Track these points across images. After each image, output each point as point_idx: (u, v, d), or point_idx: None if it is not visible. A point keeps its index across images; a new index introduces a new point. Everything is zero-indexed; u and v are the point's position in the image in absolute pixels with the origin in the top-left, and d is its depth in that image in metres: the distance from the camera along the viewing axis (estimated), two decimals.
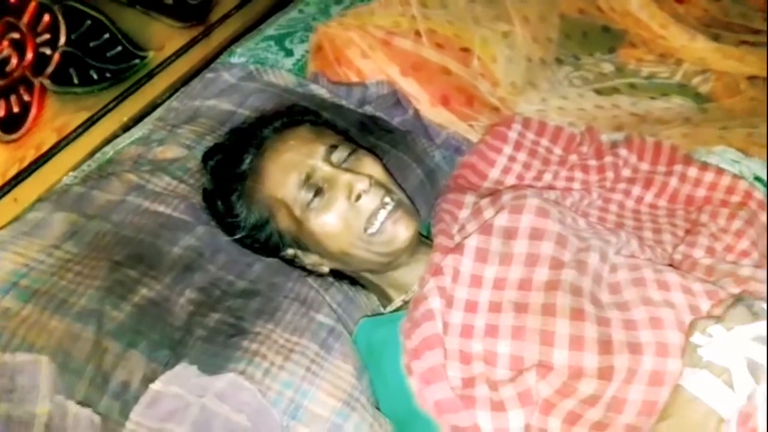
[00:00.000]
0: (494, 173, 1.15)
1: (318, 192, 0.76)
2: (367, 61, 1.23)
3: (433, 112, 1.21)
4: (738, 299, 0.74)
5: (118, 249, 0.73)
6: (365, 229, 0.76)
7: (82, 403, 0.62)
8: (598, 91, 1.58)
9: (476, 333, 0.74)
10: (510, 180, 1.14)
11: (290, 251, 0.81)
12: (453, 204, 0.95)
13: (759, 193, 1.19)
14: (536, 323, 0.73)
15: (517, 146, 1.19)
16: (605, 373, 0.70)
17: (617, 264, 0.84)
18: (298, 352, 0.66)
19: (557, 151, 1.23)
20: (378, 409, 0.70)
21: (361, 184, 0.75)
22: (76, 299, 0.67)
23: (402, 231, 0.77)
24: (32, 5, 0.79)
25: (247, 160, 0.80)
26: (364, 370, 0.73)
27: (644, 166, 1.24)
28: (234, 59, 1.34)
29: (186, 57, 1.21)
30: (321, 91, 1.17)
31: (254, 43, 1.46)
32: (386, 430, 0.68)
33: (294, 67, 1.39)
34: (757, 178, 1.35)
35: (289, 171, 0.76)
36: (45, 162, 0.90)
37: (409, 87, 1.21)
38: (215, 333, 0.66)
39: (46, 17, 0.82)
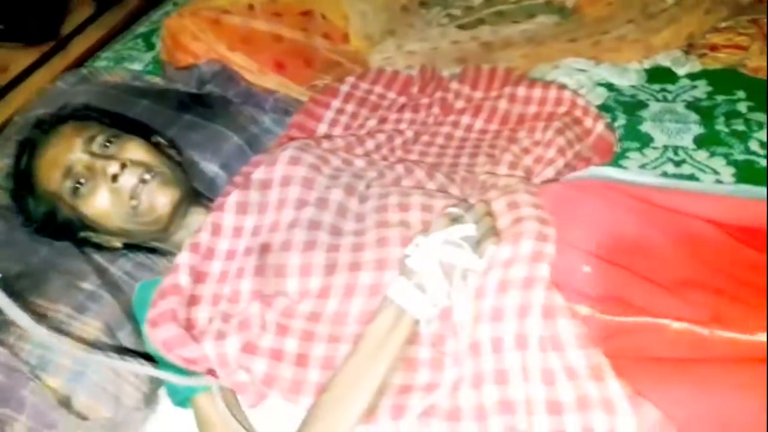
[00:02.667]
0: (322, 128, 1.22)
1: (81, 181, 0.86)
2: (198, 43, 1.32)
3: (264, 80, 1.29)
4: (446, 209, 0.81)
5: None
6: (131, 206, 0.87)
7: None
8: (462, 26, 1.61)
9: (229, 277, 0.84)
10: (337, 132, 1.21)
11: (82, 234, 0.92)
12: (253, 165, 1.04)
13: (581, 100, 1.22)
14: (274, 260, 0.82)
15: (347, 98, 1.26)
16: (324, 292, 0.79)
17: (368, 195, 0.91)
18: (50, 316, 0.78)
19: (391, 95, 1.29)
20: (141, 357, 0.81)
21: (112, 167, 0.85)
22: None
23: (161, 199, 0.87)
24: None
25: (23, 162, 0.91)
26: (126, 322, 0.84)
27: (478, 95, 1.29)
28: (99, 63, 1.46)
29: (42, 71, 1.31)
30: (154, 80, 1.27)
31: (122, 44, 1.56)
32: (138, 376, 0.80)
33: (152, 60, 1.49)
34: (601, 84, 1.38)
35: (52, 167, 0.87)
36: None
37: (238, 60, 1.29)
38: None
39: None
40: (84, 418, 0.74)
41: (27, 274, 0.84)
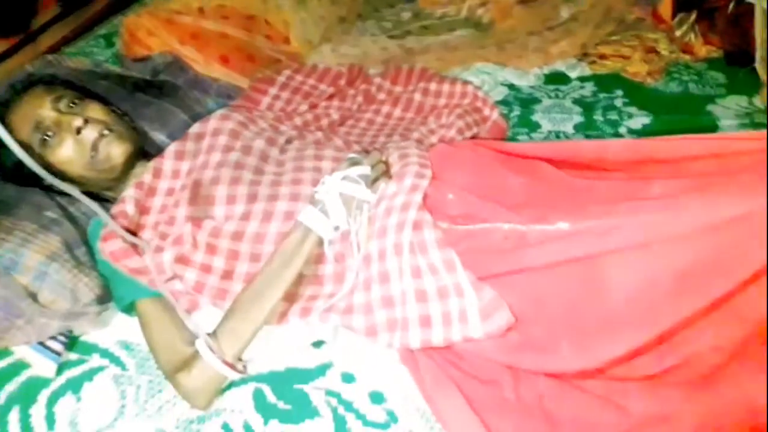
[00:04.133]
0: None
1: (49, 133, 1.03)
2: (153, 38, 1.51)
3: (211, 70, 1.48)
4: (348, 155, 1.01)
5: None
6: (91, 156, 1.04)
7: None
8: (392, 37, 1.84)
9: (169, 208, 1.02)
10: (270, 115, 1.41)
11: (47, 182, 1.09)
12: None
13: (481, 93, 1.45)
14: (204, 191, 1.00)
15: (283, 87, 1.45)
16: (245, 216, 0.98)
17: (288, 148, 1.11)
18: (19, 229, 0.95)
19: (322, 87, 1.49)
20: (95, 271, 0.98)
21: (77, 122, 1.02)
22: None
23: (116, 151, 1.04)
24: None
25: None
26: (82, 245, 1.01)
27: (398, 89, 1.50)
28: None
29: (12, 60, 1.48)
30: (113, 68, 1.45)
31: (86, 42, 1.75)
32: (91, 279, 0.96)
33: (112, 56, 1.67)
34: (504, 84, 1.62)
35: (23, 120, 1.04)
36: None
37: (188, 53, 1.48)
38: None
39: None
40: (47, 308, 0.90)
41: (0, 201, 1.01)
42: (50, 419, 0.88)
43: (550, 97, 1.57)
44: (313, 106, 1.41)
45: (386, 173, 1.01)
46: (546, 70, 1.66)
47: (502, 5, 1.88)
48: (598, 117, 1.48)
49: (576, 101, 1.55)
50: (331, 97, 1.45)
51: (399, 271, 0.89)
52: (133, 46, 1.54)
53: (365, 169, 0.97)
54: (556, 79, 1.64)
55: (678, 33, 1.66)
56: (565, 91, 1.59)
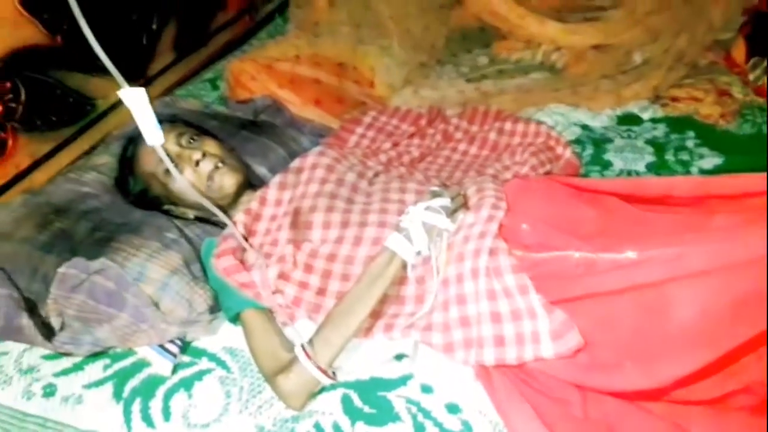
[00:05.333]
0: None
1: (178, 165, 1.20)
2: (254, 82, 1.69)
3: (305, 111, 1.65)
4: (430, 188, 1.12)
5: (47, 208, 1.22)
6: (207, 185, 1.20)
7: (23, 290, 1.09)
8: (469, 80, 1.96)
9: (272, 232, 1.15)
10: (359, 152, 1.55)
11: (165, 207, 1.26)
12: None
13: (554, 132, 1.54)
14: (303, 218, 1.14)
15: (368, 127, 1.59)
16: (339, 240, 1.10)
17: (375, 180, 1.24)
18: (146, 247, 1.10)
19: (404, 127, 1.62)
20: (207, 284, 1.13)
21: (196, 155, 1.19)
22: (18, 232, 1.17)
23: (229, 181, 1.20)
24: None
25: (129, 152, 1.26)
26: (196, 262, 1.16)
27: (474, 128, 1.61)
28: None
29: None
30: (220, 108, 1.64)
31: (194, 85, 1.96)
32: (205, 291, 1.10)
33: (217, 98, 1.88)
34: (576, 124, 1.70)
35: (150, 155, 1.21)
36: (25, 176, 1.42)
37: (285, 96, 1.66)
38: (97, 241, 1.12)
39: (8, 84, 1.34)
40: (167, 315, 1.05)
41: (127, 223, 1.17)
42: (166, 412, 1.02)
43: (622, 137, 1.63)
44: (395, 144, 1.54)
45: (465, 205, 1.11)
46: (618, 112, 1.73)
47: (577, 50, 1.97)
48: (669, 157, 1.53)
49: (648, 141, 1.60)
50: (411, 135, 1.57)
51: (475, 294, 0.98)
52: (236, 89, 1.73)
53: (446, 201, 1.07)
54: (629, 120, 1.70)
55: (751, 77, 1.69)
56: (637, 132, 1.65)
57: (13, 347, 1.14)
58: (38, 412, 1.04)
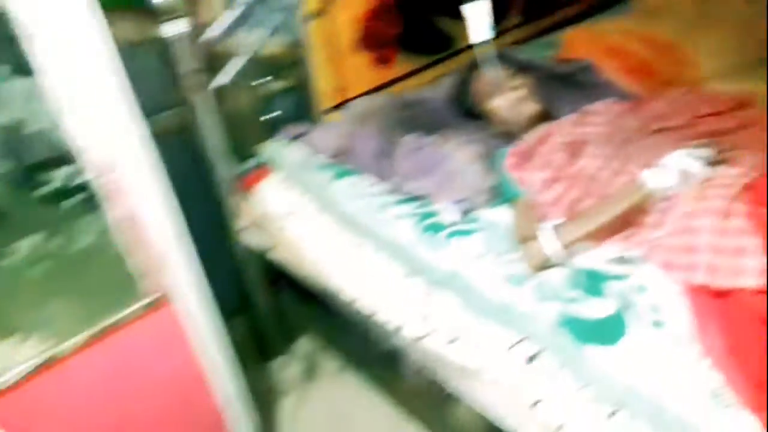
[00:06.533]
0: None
1: (498, 89, 1.61)
2: (582, 48, 2.00)
3: (617, 77, 1.90)
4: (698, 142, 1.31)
5: (402, 102, 1.76)
6: (513, 109, 1.58)
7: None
8: None
9: (552, 153, 1.47)
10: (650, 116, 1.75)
11: (480, 119, 1.68)
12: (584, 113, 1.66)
13: None
14: (579, 147, 1.43)
15: (671, 102, 1.78)
16: (602, 168, 1.37)
17: (652, 137, 1.46)
18: (459, 138, 1.54)
19: (705, 108, 1.76)
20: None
21: (512, 83, 1.58)
22: (381, 112, 1.73)
23: (530, 110, 1.57)
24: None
25: (466, 75, 1.71)
26: (491, 158, 1.55)
27: None
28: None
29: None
30: (550, 64, 2.00)
31: (531, 45, 2.35)
32: (492, 177, 1.49)
33: (545, 57, 2.23)
34: None
35: (481, 79, 1.64)
36: (396, 82, 2.00)
37: (604, 61, 1.93)
38: (428, 127, 1.62)
39: (400, 16, 1.92)
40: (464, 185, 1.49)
41: (451, 122, 1.64)
42: (446, 244, 1.44)
43: None
44: (691, 120, 1.69)
45: (721, 160, 1.27)
46: None
47: None
48: None
49: None
50: (709, 115, 1.69)
51: (704, 228, 1.17)
52: (566, 51, 2.06)
53: (705, 153, 1.26)
54: None
55: None
56: None
57: None
58: None
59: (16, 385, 1.26)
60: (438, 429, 2.06)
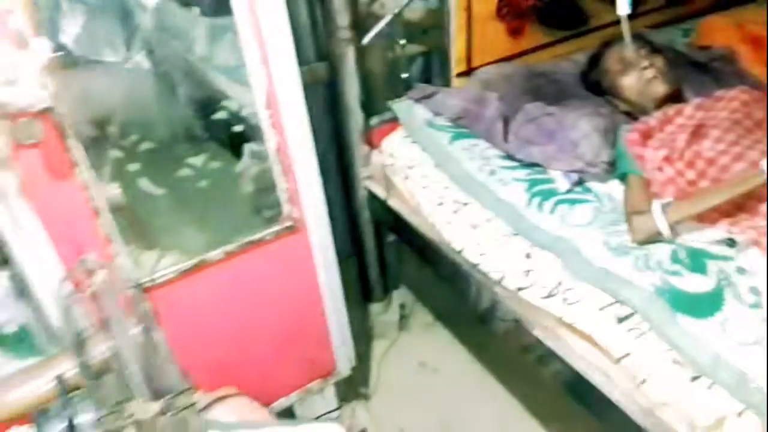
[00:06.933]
0: None
1: (624, 67, 1.66)
2: (720, 34, 1.99)
3: (753, 67, 1.88)
4: None
5: (531, 72, 1.84)
6: (643, 88, 1.63)
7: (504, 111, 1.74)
8: None
9: (675, 133, 1.52)
10: None
11: (607, 95, 1.74)
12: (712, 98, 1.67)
13: None
14: (704, 130, 1.47)
15: None
16: (722, 153, 1.40)
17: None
18: (583, 110, 1.61)
19: None
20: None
21: (644, 63, 1.62)
22: (510, 79, 1.82)
23: (659, 90, 1.61)
24: None
25: (599, 52, 1.76)
26: (612, 133, 1.60)
27: None
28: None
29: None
30: (684, 49, 2.00)
31: (669, 30, 2.33)
32: (610, 152, 1.56)
33: (682, 43, 2.22)
34: None
35: (614, 54, 1.69)
36: (528, 53, 2.08)
37: (742, 50, 1.91)
38: (554, 97, 1.69)
39: None
40: (580, 155, 1.57)
41: (577, 95, 1.72)
42: (553, 211, 1.53)
43: None
44: None
45: None
46: None
47: None
48: None
49: None
50: None
51: None
52: (702, 38, 2.04)
53: None
54: None
55: None
56: None
57: None
58: None
59: (169, 282, 1.51)
60: (523, 386, 2.18)
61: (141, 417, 0.83)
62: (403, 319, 2.56)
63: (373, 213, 2.14)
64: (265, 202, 1.56)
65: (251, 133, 1.43)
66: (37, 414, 0.96)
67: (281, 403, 1.89)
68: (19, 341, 1.50)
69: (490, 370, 2.29)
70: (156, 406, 0.85)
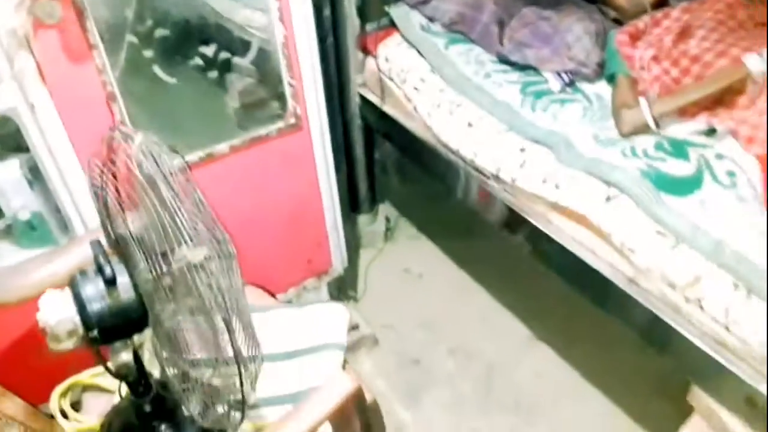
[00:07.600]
0: None
1: None
2: None
3: None
4: None
5: None
6: None
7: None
8: None
9: (661, 34, 1.61)
10: None
11: (599, 5, 1.81)
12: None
13: None
14: (690, 31, 1.57)
15: None
16: (707, 50, 1.50)
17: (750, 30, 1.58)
18: (575, 15, 1.69)
19: None
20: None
21: None
22: None
23: None
24: None
25: None
26: (603, 35, 1.70)
27: None
28: None
29: None
30: None
31: None
32: (600, 52, 1.65)
33: None
34: None
35: None
36: None
37: None
38: (551, 4, 1.76)
39: None
40: (572, 54, 1.66)
41: (559, 4, 1.79)
42: (546, 110, 1.63)
43: None
44: None
45: None
46: None
47: None
48: None
49: None
50: None
51: None
52: None
53: None
54: None
55: None
56: None
57: None
58: None
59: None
60: (503, 286, 2.33)
61: (192, 259, 0.90)
62: (389, 231, 2.67)
63: (365, 120, 2.20)
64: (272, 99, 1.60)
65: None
66: (75, 275, 1.00)
67: (279, 298, 1.99)
68: (31, 229, 1.53)
69: (472, 275, 2.43)
70: (205, 250, 0.92)
